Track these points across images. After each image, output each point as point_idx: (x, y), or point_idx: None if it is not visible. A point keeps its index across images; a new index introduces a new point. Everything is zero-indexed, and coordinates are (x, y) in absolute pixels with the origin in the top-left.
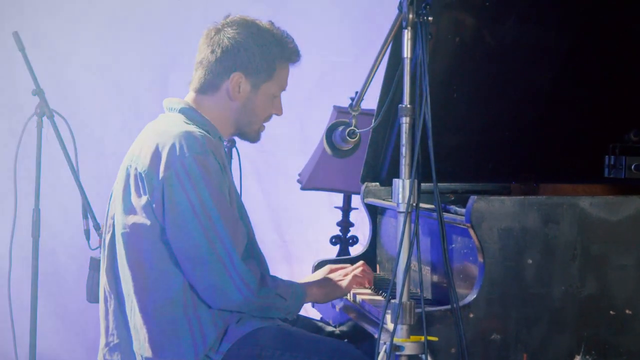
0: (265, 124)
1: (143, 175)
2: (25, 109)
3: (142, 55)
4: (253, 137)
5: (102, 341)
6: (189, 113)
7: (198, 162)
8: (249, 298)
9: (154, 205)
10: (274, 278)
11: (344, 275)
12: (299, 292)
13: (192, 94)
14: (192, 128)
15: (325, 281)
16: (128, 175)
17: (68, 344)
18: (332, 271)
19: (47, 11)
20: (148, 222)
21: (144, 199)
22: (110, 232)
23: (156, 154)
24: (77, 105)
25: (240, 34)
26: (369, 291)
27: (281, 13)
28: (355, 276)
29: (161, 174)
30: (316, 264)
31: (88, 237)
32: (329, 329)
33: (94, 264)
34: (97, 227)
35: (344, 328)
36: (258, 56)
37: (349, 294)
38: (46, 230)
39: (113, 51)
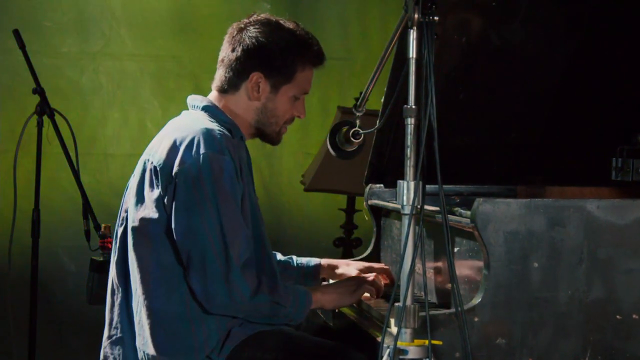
0: (287, 126)
1: (158, 169)
2: (26, 108)
3: (143, 54)
4: (273, 138)
5: (105, 334)
6: (211, 111)
7: (212, 160)
8: (240, 305)
9: (165, 200)
10: (275, 285)
11: (355, 283)
12: (302, 299)
13: (214, 93)
14: (213, 126)
15: (334, 287)
16: (144, 169)
17: (67, 346)
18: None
19: (48, 9)
20: (157, 216)
21: (157, 192)
22: (123, 225)
23: (173, 149)
24: (78, 104)
25: (262, 33)
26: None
27: (285, 12)
28: (365, 286)
29: (175, 169)
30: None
31: (88, 238)
32: (332, 332)
33: (94, 266)
34: (98, 227)
35: (347, 331)
36: (279, 57)
37: None
38: (46, 230)
39: (114, 50)
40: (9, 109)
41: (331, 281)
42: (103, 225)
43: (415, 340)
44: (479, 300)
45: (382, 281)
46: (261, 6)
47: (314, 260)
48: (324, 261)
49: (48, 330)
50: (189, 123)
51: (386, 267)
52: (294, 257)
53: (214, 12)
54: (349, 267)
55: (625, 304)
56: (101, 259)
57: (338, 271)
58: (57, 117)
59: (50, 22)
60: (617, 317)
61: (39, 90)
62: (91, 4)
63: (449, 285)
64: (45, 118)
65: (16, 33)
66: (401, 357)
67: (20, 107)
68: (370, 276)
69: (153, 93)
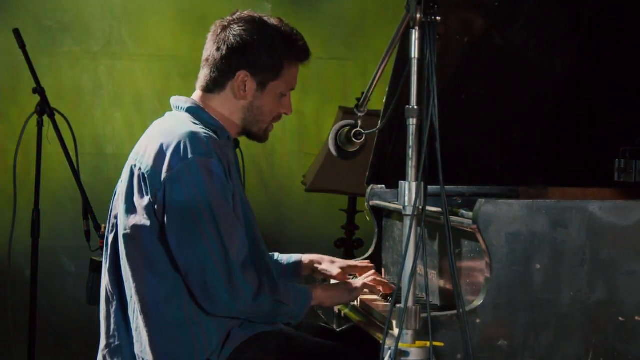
0: (274, 124)
1: (146, 175)
2: (26, 108)
3: (144, 54)
4: (260, 136)
5: (102, 342)
6: (196, 112)
7: (201, 164)
8: (244, 306)
9: (155, 207)
10: (275, 283)
11: (354, 281)
12: (302, 296)
13: (199, 93)
14: (198, 128)
15: (333, 285)
16: (132, 175)
17: (67, 346)
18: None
19: (48, 8)
20: (148, 223)
21: (146, 199)
22: (113, 231)
23: (160, 155)
24: (78, 104)
25: (246, 31)
26: (374, 295)
27: (287, 11)
28: (365, 284)
29: (164, 175)
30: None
31: (88, 238)
32: (333, 333)
33: (94, 266)
34: (98, 227)
35: (348, 332)
36: (265, 55)
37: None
38: (46, 230)
39: (115, 49)
40: (9, 108)
41: (315, 276)
42: (103, 225)
43: (417, 342)
44: (481, 301)
45: (386, 284)
46: (262, 5)
47: (294, 257)
48: (306, 257)
49: (48, 331)
50: (174, 126)
51: (371, 264)
52: (275, 254)
53: (215, 11)
54: (332, 265)
55: (627, 305)
56: (101, 259)
57: (321, 267)
58: (57, 117)
59: (51, 21)
60: (620, 318)
61: (39, 90)
62: (91, 3)
63: (450, 287)
64: (45, 118)
65: (16, 32)
66: (402, 358)
67: (20, 106)
68: (370, 276)
69: (154, 92)
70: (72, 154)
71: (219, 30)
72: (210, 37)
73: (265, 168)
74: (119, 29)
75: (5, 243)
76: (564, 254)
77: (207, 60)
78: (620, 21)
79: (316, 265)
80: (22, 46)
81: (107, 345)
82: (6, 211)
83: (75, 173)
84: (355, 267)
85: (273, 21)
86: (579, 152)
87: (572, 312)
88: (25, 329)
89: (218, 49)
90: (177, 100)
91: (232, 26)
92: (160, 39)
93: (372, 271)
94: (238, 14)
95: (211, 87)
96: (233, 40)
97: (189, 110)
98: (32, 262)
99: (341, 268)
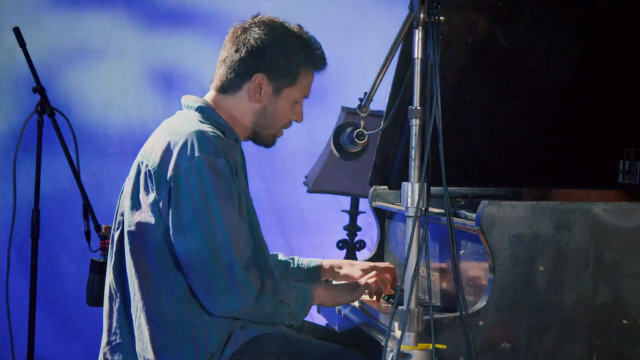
0: (283, 130)
1: (152, 172)
2: (26, 107)
3: (145, 53)
4: (268, 141)
5: (104, 340)
6: (205, 112)
7: (207, 162)
8: (246, 307)
9: (160, 204)
10: (277, 283)
11: (356, 282)
12: (303, 296)
13: (212, 93)
14: (206, 127)
15: (335, 285)
16: (139, 172)
17: (67, 347)
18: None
19: (48, 6)
20: (153, 221)
21: (152, 196)
22: (119, 229)
23: (167, 152)
24: (78, 103)
25: (267, 35)
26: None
27: (288, 10)
28: (367, 284)
29: (170, 173)
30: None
31: (89, 239)
32: (335, 335)
33: (95, 267)
34: (98, 228)
35: (349, 334)
36: (283, 60)
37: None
38: (46, 230)
39: (116, 48)
40: (10, 108)
41: (334, 282)
42: (103, 226)
43: (419, 344)
44: (484, 303)
45: (387, 284)
46: (264, 5)
47: (315, 261)
48: (326, 262)
49: (47, 332)
50: (182, 124)
51: (391, 265)
52: (295, 258)
53: (216, 10)
54: (352, 268)
55: (631, 308)
56: (101, 260)
57: (342, 272)
58: (58, 116)
59: (51, 20)
60: (624, 321)
61: (39, 89)
62: (92, 1)
63: (453, 289)
64: (45, 117)
65: (16, 31)
66: None
67: (20, 106)
68: (372, 277)
69: (155, 92)
70: (72, 153)
71: (239, 32)
72: (228, 38)
73: (267, 169)
74: (120, 27)
75: (5, 243)
76: (568, 256)
77: (224, 60)
78: (624, 23)
79: (337, 270)
80: (23, 45)
81: (109, 343)
82: (6, 211)
83: (75, 173)
84: (376, 267)
85: (293, 27)
86: (582, 153)
87: (576, 314)
88: (24, 329)
89: (237, 50)
90: (187, 100)
91: (252, 29)
92: (162, 38)
93: (374, 272)
94: (259, 17)
95: (226, 88)
96: (253, 43)
97: (198, 109)
98: (32, 262)
99: (362, 270)
